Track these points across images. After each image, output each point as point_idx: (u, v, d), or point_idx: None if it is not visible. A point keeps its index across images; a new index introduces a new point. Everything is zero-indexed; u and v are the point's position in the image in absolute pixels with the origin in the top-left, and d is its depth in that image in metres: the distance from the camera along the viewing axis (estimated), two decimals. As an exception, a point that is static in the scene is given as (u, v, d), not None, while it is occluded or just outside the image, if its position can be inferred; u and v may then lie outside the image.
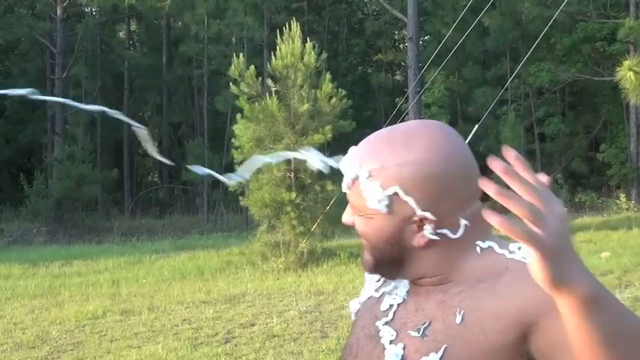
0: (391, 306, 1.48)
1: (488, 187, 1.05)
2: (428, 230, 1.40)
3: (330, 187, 14.63)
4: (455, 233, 1.41)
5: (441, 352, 1.34)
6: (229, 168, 21.69)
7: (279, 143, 14.76)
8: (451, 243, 1.41)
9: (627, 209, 20.63)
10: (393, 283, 1.55)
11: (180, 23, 36.55)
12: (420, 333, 1.39)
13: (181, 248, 18.48)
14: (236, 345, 8.36)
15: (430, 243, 1.41)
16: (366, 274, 1.61)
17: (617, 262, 11.70)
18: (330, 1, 39.24)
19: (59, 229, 25.64)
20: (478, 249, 1.43)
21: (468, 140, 8.15)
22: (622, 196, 22.04)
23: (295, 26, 15.02)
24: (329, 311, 9.88)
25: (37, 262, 16.43)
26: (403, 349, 1.39)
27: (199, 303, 10.98)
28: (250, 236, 16.31)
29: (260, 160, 1.55)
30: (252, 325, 9.34)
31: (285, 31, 15.10)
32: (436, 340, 1.35)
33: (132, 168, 36.33)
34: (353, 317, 1.62)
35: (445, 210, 1.39)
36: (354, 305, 1.64)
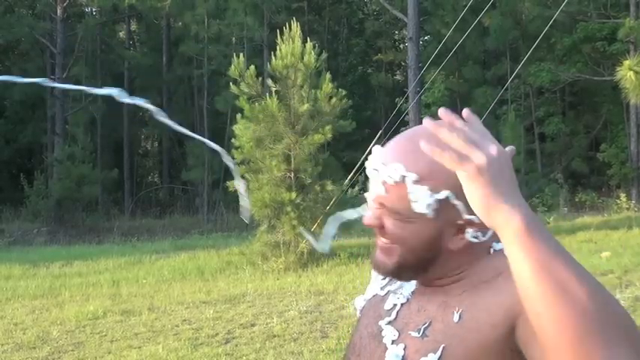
0: (395, 305, 1.49)
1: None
2: (470, 234, 1.41)
3: (330, 187, 14.64)
4: (484, 236, 1.42)
5: (439, 353, 1.35)
6: (229, 168, 21.62)
7: (279, 143, 14.76)
8: (476, 244, 1.43)
9: (627, 209, 20.63)
10: (399, 283, 1.55)
11: (180, 23, 36.56)
12: (420, 333, 1.39)
13: (181, 248, 18.48)
14: (236, 345, 8.35)
15: (466, 246, 1.42)
16: (373, 272, 1.62)
17: (617, 262, 11.69)
18: (330, 1, 39.25)
19: (59, 230, 25.64)
20: (492, 250, 1.44)
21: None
22: (622, 195, 22.03)
23: (295, 26, 15.02)
24: (329, 311, 9.88)
25: (37, 262, 16.43)
26: (404, 349, 1.39)
27: (199, 303, 10.98)
28: (250, 236, 16.30)
29: (340, 217, 1.57)
30: (253, 325, 9.34)
31: (285, 31, 15.10)
32: (435, 341, 1.36)
33: (132, 168, 36.34)
34: (358, 314, 1.63)
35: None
36: (359, 302, 1.64)
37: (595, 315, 1.11)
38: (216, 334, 8.88)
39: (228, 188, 15.98)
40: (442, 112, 1.29)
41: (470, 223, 1.39)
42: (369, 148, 11.90)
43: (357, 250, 15.10)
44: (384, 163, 1.42)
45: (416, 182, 1.38)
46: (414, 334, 1.40)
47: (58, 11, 30.21)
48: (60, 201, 27.04)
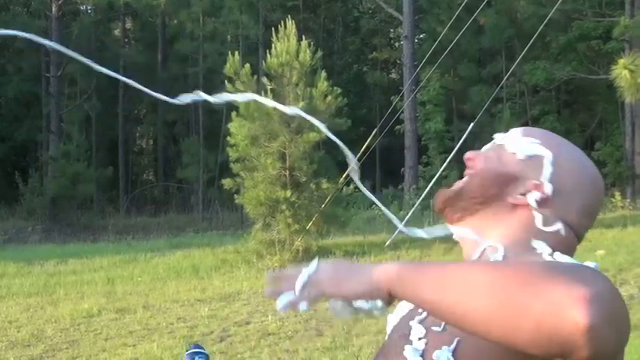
0: None
1: None
2: (533, 196, 1.43)
3: (325, 185, 14.64)
4: (547, 224, 1.44)
5: (453, 345, 1.35)
6: (224, 166, 21.72)
7: (274, 141, 14.76)
8: (529, 228, 1.44)
9: (622, 207, 20.62)
10: None
11: (175, 21, 36.55)
12: (442, 327, 1.39)
13: (176, 246, 18.46)
14: (231, 343, 8.36)
15: (519, 210, 1.45)
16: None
17: (612, 261, 11.71)
18: (326, -1, 39.27)
19: (54, 228, 25.59)
20: (536, 249, 1.44)
21: (463, 139, 8.16)
22: (617, 194, 22.02)
23: (291, 24, 15.02)
24: (324, 309, 9.86)
25: (32, 260, 16.40)
26: (425, 344, 1.39)
27: (194, 301, 10.98)
28: (245, 234, 16.29)
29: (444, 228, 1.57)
30: (248, 323, 9.34)
31: (281, 29, 15.10)
32: (452, 334, 1.35)
33: (127, 166, 36.29)
34: (388, 330, 1.63)
35: (563, 204, 1.44)
36: (392, 319, 1.64)
37: (507, 281, 1.11)
38: (211, 332, 8.88)
39: (223, 186, 15.98)
40: (269, 274, 1.45)
41: (538, 188, 1.43)
42: (364, 146, 11.85)
43: (352, 248, 15.10)
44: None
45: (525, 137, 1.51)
46: (437, 328, 1.40)
47: (53, 9, 30.14)
48: (55, 199, 26.99)
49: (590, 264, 1.27)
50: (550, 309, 1.05)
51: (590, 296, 1.04)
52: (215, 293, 11.54)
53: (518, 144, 1.49)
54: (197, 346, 1.65)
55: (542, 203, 1.43)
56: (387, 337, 1.58)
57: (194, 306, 10.64)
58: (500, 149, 1.51)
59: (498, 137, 1.57)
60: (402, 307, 1.62)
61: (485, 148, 1.58)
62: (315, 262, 1.38)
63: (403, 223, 1.64)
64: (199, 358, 1.65)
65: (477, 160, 1.52)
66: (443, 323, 1.39)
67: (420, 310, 1.48)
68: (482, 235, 1.46)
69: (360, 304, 1.31)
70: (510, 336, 1.11)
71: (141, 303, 11.01)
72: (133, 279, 13.70)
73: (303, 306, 1.37)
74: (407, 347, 1.41)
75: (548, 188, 1.43)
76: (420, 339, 1.41)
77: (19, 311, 10.83)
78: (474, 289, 1.13)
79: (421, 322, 1.45)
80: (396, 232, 1.74)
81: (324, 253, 14.73)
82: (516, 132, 1.54)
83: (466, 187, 1.50)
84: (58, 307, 11.01)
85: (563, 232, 1.44)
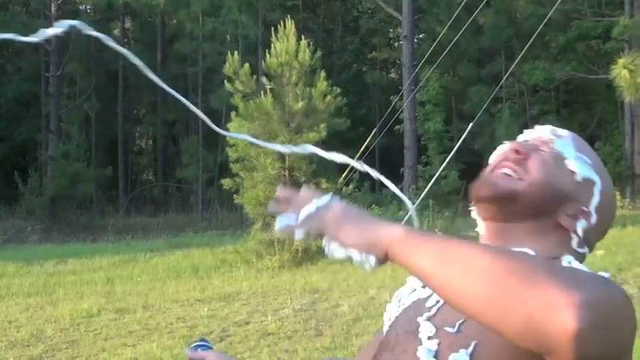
0: (437, 302, 1.46)
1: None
2: (581, 225, 1.46)
3: (324, 185, 14.63)
4: (582, 247, 1.48)
5: (470, 349, 1.33)
6: (224, 166, 21.70)
7: (273, 141, 14.75)
8: (564, 245, 1.47)
9: (622, 207, 20.63)
10: None
11: (174, 21, 36.57)
12: (456, 329, 1.37)
13: (176, 246, 18.46)
14: (231, 343, 8.35)
15: (561, 229, 1.46)
16: (411, 279, 1.61)
17: (611, 260, 11.71)
18: (325, -1, 39.28)
19: (54, 228, 25.59)
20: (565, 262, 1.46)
21: (462, 139, 8.16)
22: (617, 194, 22.05)
23: (290, 24, 15.02)
24: (323, 309, 9.88)
25: (31, 260, 16.40)
26: (437, 344, 1.37)
27: (194, 301, 10.97)
28: (245, 234, 16.29)
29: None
30: (247, 323, 9.33)
31: (280, 28, 15.10)
32: (468, 337, 1.34)
33: (126, 166, 36.30)
34: (388, 321, 1.61)
35: (595, 232, 1.49)
36: (387, 317, 1.63)
37: (507, 270, 1.10)
38: (211, 332, 8.87)
39: (222, 186, 15.98)
40: (279, 190, 1.44)
41: (586, 216, 1.46)
42: (363, 146, 11.85)
43: (352, 248, 15.07)
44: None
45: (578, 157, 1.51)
46: (450, 329, 1.38)
47: (52, 9, 30.14)
48: (54, 199, 26.99)
49: (605, 274, 1.28)
50: (543, 307, 1.05)
51: (584, 303, 1.04)
52: (214, 293, 11.54)
53: (577, 164, 1.49)
54: (203, 340, 1.67)
55: (584, 231, 1.46)
56: (388, 329, 1.57)
57: (193, 306, 10.64)
58: (559, 161, 1.49)
59: (546, 131, 1.55)
60: (403, 298, 1.61)
61: (532, 139, 1.55)
62: (327, 197, 1.37)
63: (411, 211, 1.65)
64: (202, 348, 1.66)
65: (533, 163, 1.48)
66: (457, 324, 1.37)
67: (428, 306, 1.47)
68: (519, 244, 1.44)
69: (354, 253, 1.30)
70: (498, 324, 1.11)
71: (140, 303, 11.00)
72: (132, 279, 13.70)
73: (299, 234, 1.37)
74: (420, 348, 1.39)
75: (594, 219, 1.46)
76: (429, 338, 1.39)
77: (19, 311, 10.82)
78: (473, 271, 1.13)
79: (430, 319, 1.43)
80: (408, 214, 1.74)
81: (323, 253, 14.67)
82: (568, 139, 1.54)
83: (525, 195, 1.46)
84: (57, 307, 11.00)
85: (587, 253, 1.50)
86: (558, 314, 1.04)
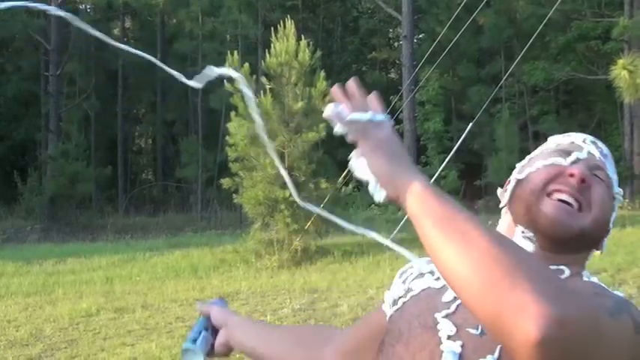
0: (455, 298, 1.42)
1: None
2: (600, 249, 1.55)
3: (324, 185, 14.64)
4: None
5: (496, 354, 1.31)
6: (223, 165, 21.69)
7: (273, 141, 14.73)
8: (584, 264, 1.52)
9: (621, 207, 20.56)
10: None
11: (174, 21, 36.55)
12: (479, 331, 1.35)
13: (175, 246, 18.46)
14: (230, 343, 8.34)
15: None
16: (421, 264, 1.60)
17: (610, 261, 11.70)
18: (325, -1, 39.29)
19: (53, 227, 25.59)
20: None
21: (462, 139, 8.17)
22: (616, 194, 22.06)
23: (290, 24, 15.02)
24: (322, 309, 9.88)
25: (30, 259, 16.40)
26: (461, 346, 1.35)
27: (193, 301, 10.96)
28: (244, 234, 16.29)
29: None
30: (246, 323, 9.32)
31: (280, 28, 15.10)
32: (494, 341, 1.29)
33: (126, 165, 36.28)
34: (388, 309, 1.59)
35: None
36: (390, 296, 1.61)
37: (498, 260, 1.09)
38: (210, 332, 8.86)
39: (222, 186, 15.98)
40: (350, 83, 1.42)
41: (603, 245, 1.55)
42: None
43: (351, 248, 15.08)
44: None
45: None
46: (473, 331, 1.35)
47: (52, 8, 30.11)
48: (53, 198, 26.99)
49: (619, 294, 1.31)
50: (514, 308, 1.04)
51: (555, 318, 1.02)
52: (214, 293, 11.53)
53: (619, 191, 1.57)
54: (221, 298, 1.65)
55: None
56: (395, 314, 1.53)
57: (193, 305, 10.63)
58: (611, 192, 1.54)
59: (590, 146, 1.56)
60: (410, 282, 1.58)
61: (584, 158, 1.53)
62: (383, 117, 1.38)
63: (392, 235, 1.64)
64: (216, 304, 1.65)
65: (595, 195, 1.48)
66: (480, 326, 1.34)
67: (444, 301, 1.44)
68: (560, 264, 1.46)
69: (371, 180, 1.30)
70: (470, 305, 1.11)
71: (139, 302, 11.00)
72: (131, 278, 13.70)
73: (338, 128, 1.38)
74: (442, 347, 1.36)
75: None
76: (449, 337, 1.37)
77: (18, 310, 10.82)
78: (466, 247, 1.12)
79: (448, 317, 1.41)
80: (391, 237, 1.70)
81: (322, 253, 14.73)
82: (609, 157, 1.58)
83: (590, 233, 1.46)
84: (56, 306, 11.01)
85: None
86: (526, 320, 1.02)
